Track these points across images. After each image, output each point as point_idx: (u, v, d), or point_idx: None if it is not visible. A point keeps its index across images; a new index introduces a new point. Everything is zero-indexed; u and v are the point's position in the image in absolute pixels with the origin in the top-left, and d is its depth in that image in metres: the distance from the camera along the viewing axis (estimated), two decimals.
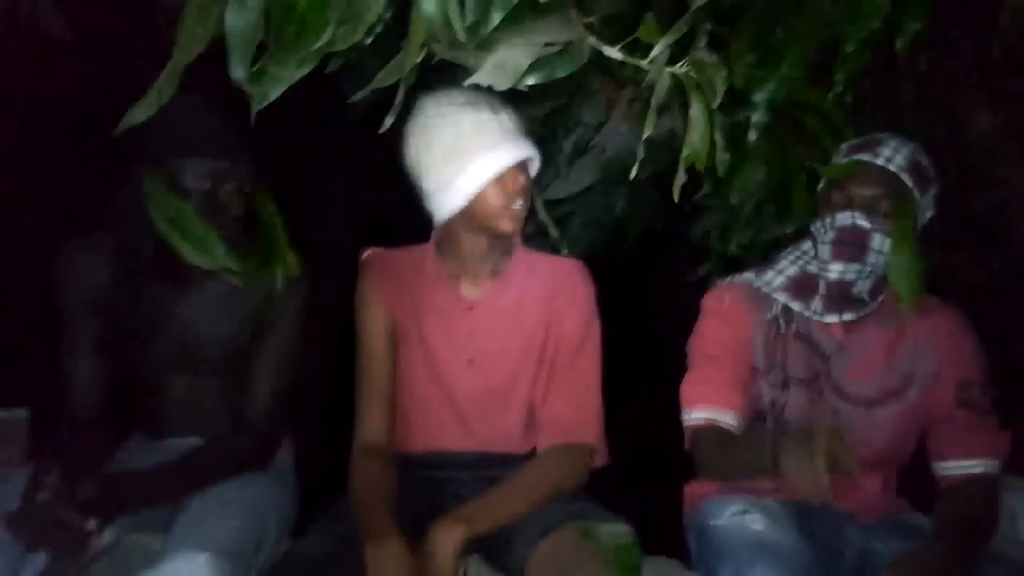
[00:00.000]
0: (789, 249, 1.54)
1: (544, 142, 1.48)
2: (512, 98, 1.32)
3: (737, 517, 1.34)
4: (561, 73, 1.04)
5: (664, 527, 1.52)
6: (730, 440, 1.41)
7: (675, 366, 1.54)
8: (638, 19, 1.08)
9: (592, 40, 1.04)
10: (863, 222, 1.37)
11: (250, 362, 1.48)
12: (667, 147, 1.61)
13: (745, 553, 1.24)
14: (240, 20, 0.86)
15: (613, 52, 1.04)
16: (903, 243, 1.35)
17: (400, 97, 0.97)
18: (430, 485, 1.43)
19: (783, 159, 1.64)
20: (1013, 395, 1.50)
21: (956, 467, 1.41)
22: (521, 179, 1.33)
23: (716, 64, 1.07)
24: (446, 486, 1.42)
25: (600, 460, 1.43)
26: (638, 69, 1.07)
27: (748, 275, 1.54)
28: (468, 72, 1.02)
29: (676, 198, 1.10)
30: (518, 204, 1.34)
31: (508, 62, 0.99)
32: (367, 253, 1.52)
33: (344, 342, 1.55)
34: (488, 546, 1.34)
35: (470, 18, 0.90)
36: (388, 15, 0.93)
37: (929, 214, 1.45)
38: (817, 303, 1.43)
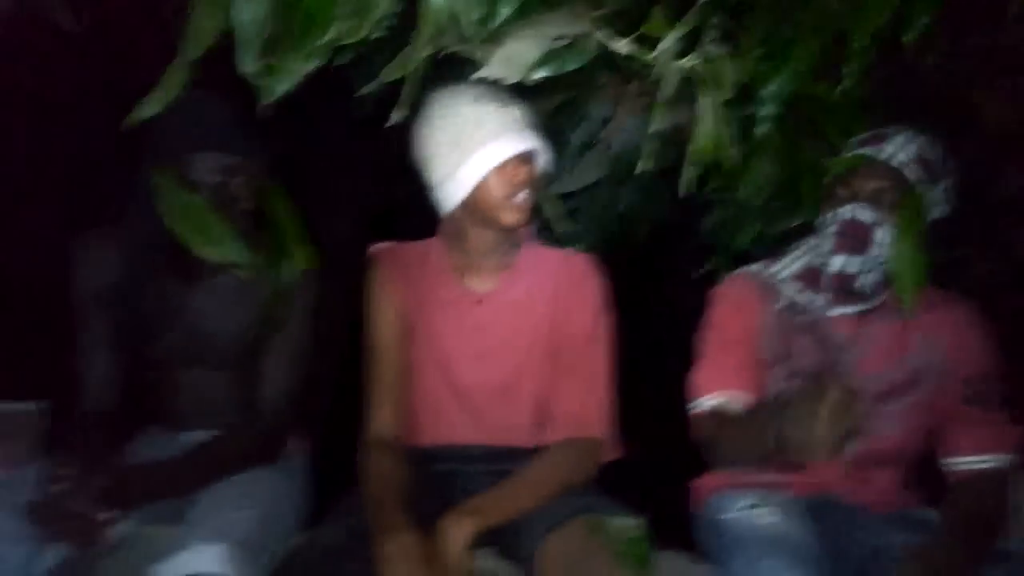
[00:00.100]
0: (798, 242, 1.54)
1: (551, 136, 1.48)
2: (519, 92, 1.33)
3: (747, 511, 1.35)
4: (569, 67, 1.04)
5: (673, 521, 1.52)
6: (738, 420, 1.39)
7: (683, 361, 1.54)
8: (646, 13, 1.08)
9: (600, 34, 1.04)
10: (865, 216, 1.37)
11: (261, 356, 1.49)
12: (675, 142, 1.61)
13: (755, 547, 1.24)
14: (248, 14, 0.87)
15: (621, 46, 1.04)
16: (905, 237, 1.35)
17: (408, 91, 0.97)
18: (439, 478, 1.43)
19: (792, 154, 1.64)
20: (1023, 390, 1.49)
21: (965, 462, 1.41)
22: (523, 171, 1.33)
23: (725, 58, 1.08)
24: (455, 479, 1.43)
25: (610, 454, 1.43)
26: (646, 63, 1.07)
27: (757, 267, 1.54)
28: (476, 66, 1.03)
29: (683, 192, 1.10)
30: (520, 196, 1.34)
31: (516, 56, 0.99)
32: (376, 247, 1.53)
33: (354, 336, 1.56)
34: (498, 539, 1.34)
35: (478, 12, 0.90)
36: (397, 9, 0.94)
37: (942, 208, 1.44)
38: (823, 296, 1.43)
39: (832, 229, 1.40)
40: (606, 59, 1.13)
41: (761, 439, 1.27)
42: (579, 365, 1.43)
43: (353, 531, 1.25)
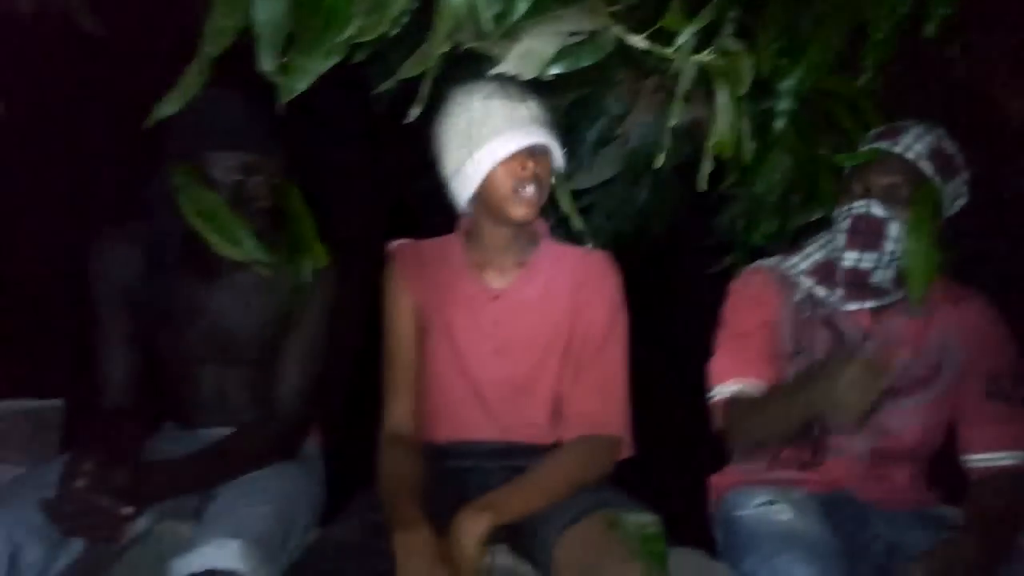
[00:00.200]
0: (816, 236, 1.53)
1: (567, 133, 1.48)
2: (535, 88, 1.33)
3: (763, 508, 1.34)
4: (586, 62, 1.03)
5: (689, 518, 1.51)
6: (761, 400, 1.38)
7: (697, 357, 1.53)
8: (662, 8, 1.08)
9: (617, 29, 1.03)
10: (879, 211, 1.36)
11: (278, 353, 1.49)
12: (691, 137, 1.60)
13: (771, 543, 1.24)
14: (268, 12, 0.87)
15: (638, 41, 1.04)
16: (918, 231, 1.34)
17: (425, 88, 0.97)
18: (455, 474, 1.43)
19: (809, 148, 1.63)
20: None
21: (986, 459, 1.39)
22: (530, 165, 1.33)
23: (742, 53, 1.07)
24: (471, 476, 1.43)
25: (625, 452, 1.43)
26: (662, 58, 1.07)
27: (774, 260, 1.54)
28: (493, 63, 1.02)
29: (702, 187, 1.10)
30: (527, 190, 1.34)
31: (533, 51, 0.99)
32: (394, 244, 1.54)
33: (370, 333, 1.56)
34: (514, 535, 1.34)
35: (496, 8, 0.90)
36: (413, 6, 0.94)
37: (959, 202, 1.43)
38: (840, 290, 1.42)
39: (845, 225, 1.40)
40: (622, 55, 1.12)
41: (787, 412, 1.27)
42: (595, 363, 1.43)
43: (369, 527, 1.25)
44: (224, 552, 1.19)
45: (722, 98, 1.07)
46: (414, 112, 0.98)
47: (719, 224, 1.95)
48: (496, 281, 1.47)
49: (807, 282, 1.47)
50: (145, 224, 1.45)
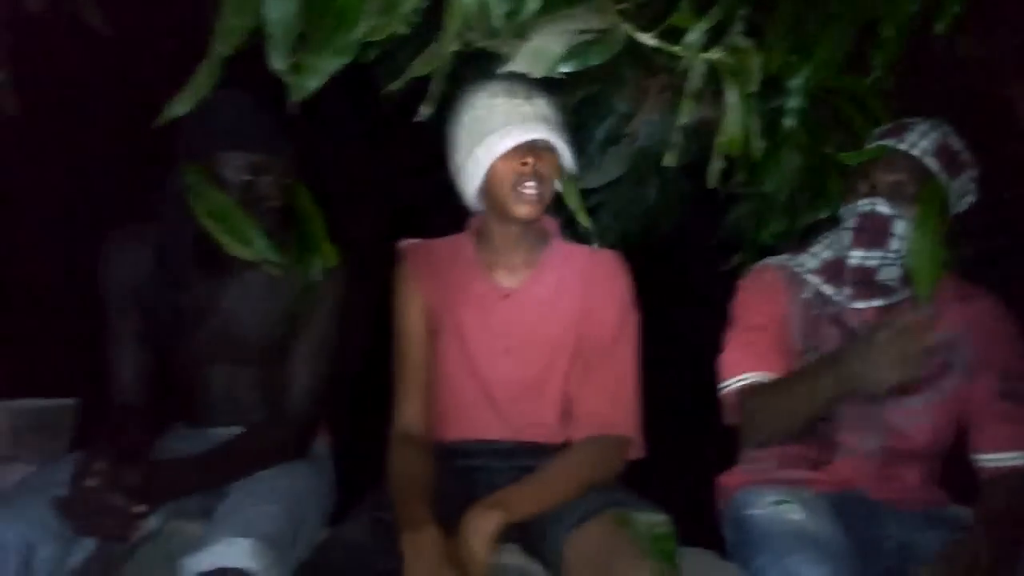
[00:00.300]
0: (824, 234, 1.53)
1: (575, 131, 1.48)
2: (544, 87, 1.33)
3: (774, 507, 1.34)
4: (595, 61, 1.03)
5: (698, 518, 1.51)
6: (781, 386, 1.35)
7: (706, 357, 1.53)
8: (671, 6, 1.08)
9: (626, 27, 1.03)
10: (884, 208, 1.35)
11: (288, 353, 1.50)
12: (698, 136, 1.60)
13: (783, 543, 1.23)
14: (279, 12, 0.87)
15: (648, 39, 1.04)
16: (923, 228, 1.33)
17: (437, 87, 0.97)
18: (465, 474, 1.44)
19: (818, 146, 1.62)
20: None
21: (996, 459, 1.39)
22: (530, 161, 1.34)
23: (751, 50, 1.07)
24: (481, 475, 1.43)
25: (635, 452, 1.43)
26: (670, 56, 1.07)
27: (782, 257, 1.53)
28: (502, 62, 1.02)
29: (712, 185, 1.10)
30: (528, 186, 1.34)
31: (542, 50, 0.99)
32: (404, 243, 1.54)
33: (380, 332, 1.57)
34: (523, 534, 1.34)
35: (507, 6, 0.90)
36: (423, 5, 0.94)
37: (968, 199, 1.42)
38: (847, 289, 1.42)
39: (851, 223, 1.39)
40: (630, 53, 1.12)
41: (814, 394, 1.24)
42: (605, 362, 1.43)
43: (379, 526, 1.25)
44: (234, 550, 1.19)
45: (731, 96, 1.07)
46: (425, 111, 0.98)
47: (727, 223, 1.95)
48: (506, 280, 1.47)
49: (815, 280, 1.46)
50: (155, 224, 1.45)
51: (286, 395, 1.48)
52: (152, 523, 1.33)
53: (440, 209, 1.53)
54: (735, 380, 1.42)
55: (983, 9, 1.31)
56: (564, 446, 1.43)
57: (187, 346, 1.50)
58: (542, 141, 1.36)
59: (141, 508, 1.20)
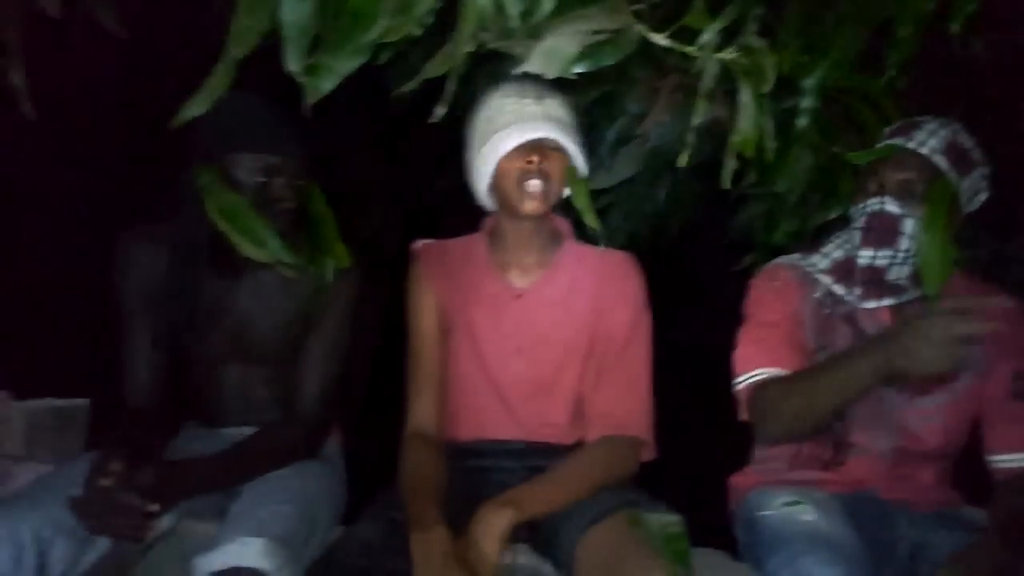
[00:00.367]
0: (837, 234, 1.52)
1: (587, 132, 1.48)
2: (557, 88, 1.33)
3: (787, 508, 1.33)
4: (609, 61, 1.03)
5: (710, 519, 1.51)
6: (803, 378, 1.33)
7: (717, 357, 1.53)
8: (683, 6, 1.07)
9: (640, 27, 1.03)
10: (893, 207, 1.35)
11: (300, 353, 1.50)
12: (710, 136, 1.60)
13: (796, 544, 1.23)
14: (295, 13, 0.88)
15: (661, 39, 1.03)
16: (933, 226, 1.32)
17: (451, 87, 0.97)
18: (477, 474, 1.44)
19: (830, 146, 1.62)
20: None
21: (1010, 460, 1.38)
22: (535, 159, 1.34)
23: (765, 50, 1.06)
24: (492, 475, 1.43)
25: (648, 454, 1.43)
26: (682, 57, 1.07)
27: (795, 256, 1.53)
28: (515, 62, 1.02)
29: (726, 185, 1.09)
30: (532, 183, 1.35)
31: (556, 50, 0.99)
32: (418, 243, 1.55)
33: (392, 333, 1.57)
34: (535, 535, 1.34)
35: (521, 6, 0.90)
36: (437, 6, 0.94)
37: (980, 198, 1.41)
38: (857, 288, 1.41)
39: (860, 222, 1.39)
40: (642, 53, 1.12)
41: (841, 385, 1.23)
42: (618, 364, 1.43)
43: (391, 526, 1.26)
44: (247, 550, 1.19)
45: (745, 96, 1.07)
46: (439, 111, 0.99)
47: (738, 223, 1.94)
48: (519, 281, 1.48)
49: (826, 280, 1.46)
50: (169, 225, 1.46)
51: (298, 395, 1.49)
52: (165, 523, 1.33)
53: (452, 210, 1.54)
54: (749, 376, 1.42)
55: (998, 8, 1.30)
56: (576, 447, 1.42)
57: (200, 346, 1.51)
58: (549, 140, 1.36)
59: (154, 508, 1.21)
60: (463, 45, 0.92)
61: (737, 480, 1.55)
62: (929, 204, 1.33)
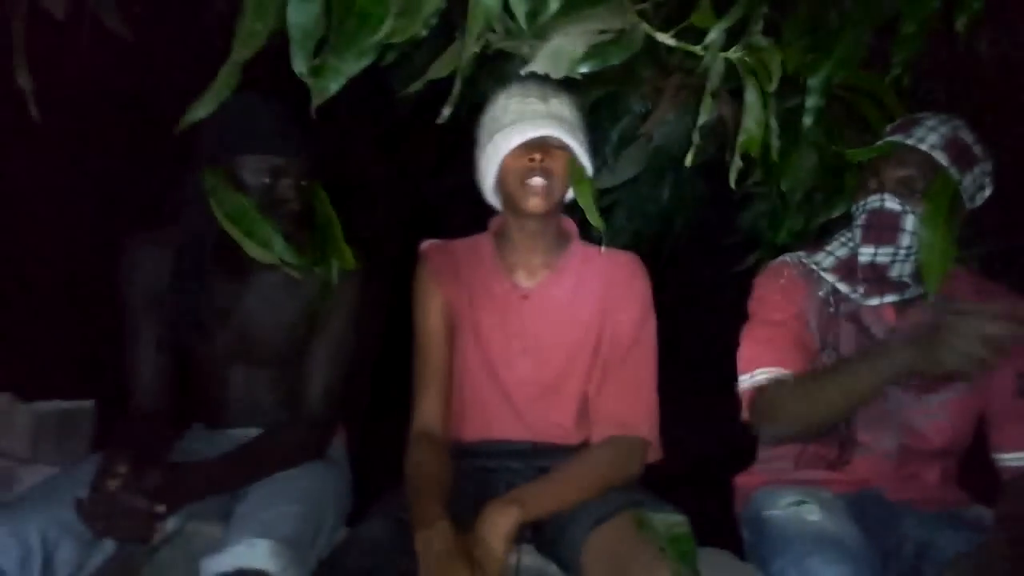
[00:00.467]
0: (841, 232, 1.52)
1: (591, 131, 1.47)
2: (563, 88, 1.33)
3: (793, 508, 1.33)
4: (614, 61, 1.03)
5: (715, 519, 1.51)
6: (814, 379, 1.32)
7: (721, 357, 1.52)
8: (688, 5, 1.07)
9: (645, 27, 1.03)
10: (893, 204, 1.34)
11: (305, 354, 1.50)
12: (714, 135, 1.60)
13: (802, 544, 1.23)
14: (302, 15, 0.88)
15: (667, 39, 1.03)
16: (933, 223, 1.32)
17: (457, 88, 0.97)
18: (482, 474, 1.44)
19: (835, 144, 1.61)
20: None
21: (1016, 458, 1.38)
22: (537, 157, 1.35)
23: (771, 48, 1.06)
24: (498, 475, 1.43)
25: (654, 455, 1.42)
26: (686, 56, 1.07)
27: (799, 254, 1.52)
28: (520, 63, 1.02)
29: (733, 184, 1.09)
30: (534, 181, 1.35)
31: (562, 50, 0.99)
32: (425, 243, 1.55)
33: (397, 333, 1.57)
34: (540, 535, 1.34)
35: (528, 6, 0.90)
36: (443, 7, 0.94)
37: (984, 194, 1.41)
38: (860, 286, 1.41)
39: (861, 220, 1.39)
40: (646, 53, 1.12)
41: (856, 386, 1.23)
42: (624, 364, 1.43)
43: (398, 526, 1.26)
44: (253, 551, 1.20)
45: (751, 95, 1.07)
46: (446, 112, 0.98)
47: (743, 222, 1.94)
48: (526, 281, 1.48)
49: (831, 278, 1.46)
50: (174, 227, 1.46)
51: (304, 396, 1.49)
52: (171, 524, 1.33)
53: (456, 210, 1.54)
54: (752, 375, 1.41)
55: (1004, 7, 1.30)
56: (582, 447, 1.42)
57: (206, 348, 1.51)
58: (553, 139, 1.36)
59: (161, 509, 1.21)
60: (471, 45, 0.92)
61: (742, 480, 1.55)
62: (929, 200, 1.33)
